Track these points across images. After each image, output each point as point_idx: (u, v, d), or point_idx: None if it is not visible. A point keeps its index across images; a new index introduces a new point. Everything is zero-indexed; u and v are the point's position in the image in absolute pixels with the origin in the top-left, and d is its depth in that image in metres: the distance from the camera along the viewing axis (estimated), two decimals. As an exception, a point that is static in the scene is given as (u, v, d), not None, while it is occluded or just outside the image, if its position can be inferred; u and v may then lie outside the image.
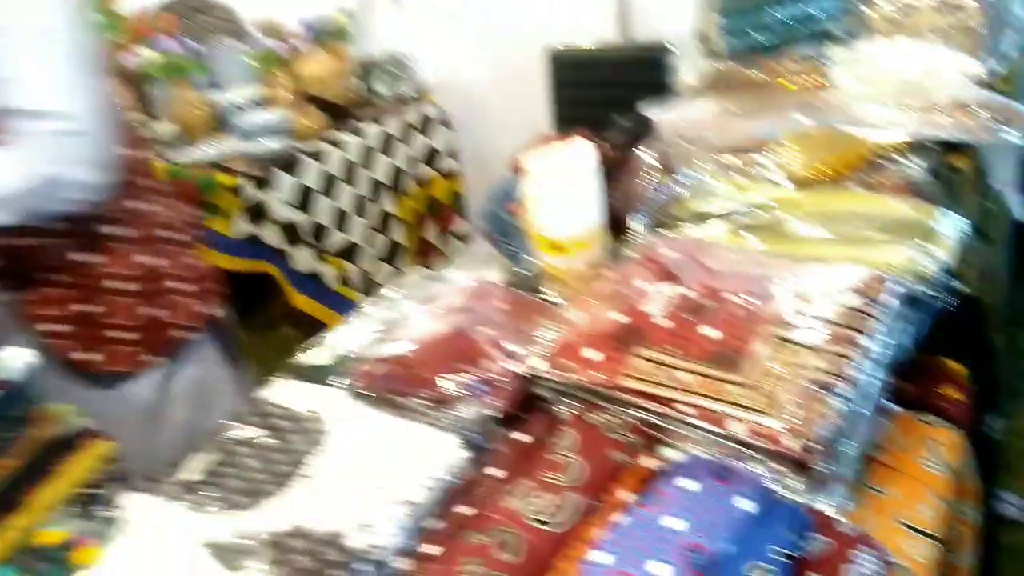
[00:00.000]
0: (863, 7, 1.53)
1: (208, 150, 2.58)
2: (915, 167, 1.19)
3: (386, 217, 2.78)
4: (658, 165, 1.23)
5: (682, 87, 1.73)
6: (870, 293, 0.88)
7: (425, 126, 2.92)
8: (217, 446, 0.92)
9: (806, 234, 1.10)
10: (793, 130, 1.32)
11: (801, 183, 1.23)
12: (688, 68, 1.72)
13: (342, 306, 2.53)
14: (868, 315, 0.85)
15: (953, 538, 0.89)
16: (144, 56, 2.65)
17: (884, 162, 1.20)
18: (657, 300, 0.94)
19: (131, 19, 2.80)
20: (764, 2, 1.58)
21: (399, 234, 2.83)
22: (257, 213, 2.38)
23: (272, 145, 2.50)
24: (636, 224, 1.19)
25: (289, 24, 2.93)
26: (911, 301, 0.92)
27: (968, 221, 1.11)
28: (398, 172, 2.82)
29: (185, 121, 2.72)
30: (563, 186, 1.08)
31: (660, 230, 1.17)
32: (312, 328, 1.28)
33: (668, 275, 0.98)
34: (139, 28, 2.74)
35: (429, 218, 2.97)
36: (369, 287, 2.63)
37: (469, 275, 1.13)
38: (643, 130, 1.30)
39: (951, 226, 1.04)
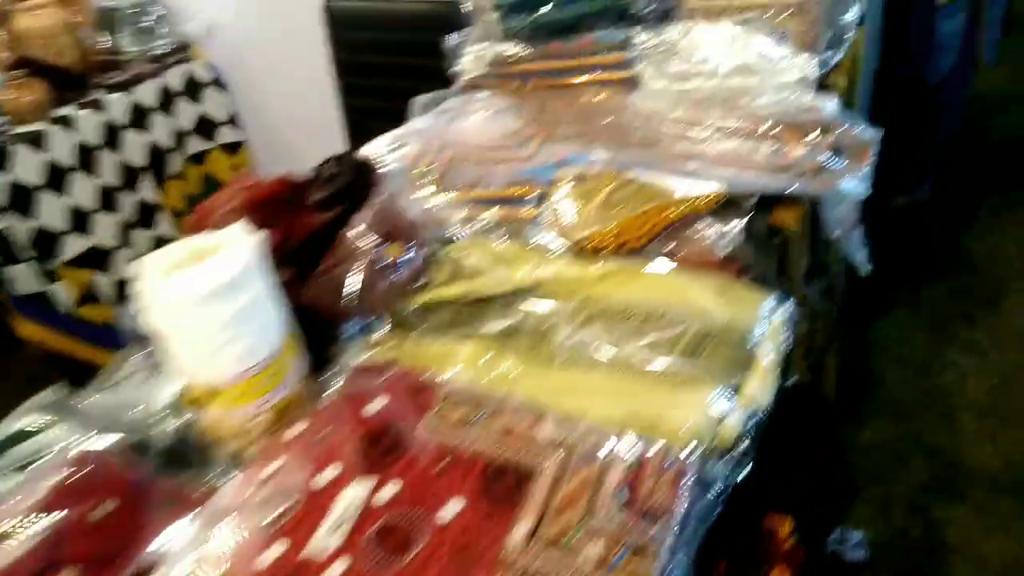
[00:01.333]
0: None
1: None
2: (730, 230, 0.87)
3: (146, 208, 2.27)
4: (380, 231, 0.85)
5: (457, 77, 1.34)
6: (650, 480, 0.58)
7: (192, 89, 2.39)
8: None
9: (578, 353, 0.77)
10: (578, 166, 0.97)
11: (580, 250, 0.90)
12: (470, 48, 1.33)
13: (84, 331, 2.05)
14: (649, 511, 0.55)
15: None
16: None
17: (691, 225, 0.87)
18: (339, 511, 0.59)
19: None
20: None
21: (168, 226, 2.33)
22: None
23: (-29, 129, 1.93)
24: (349, 335, 0.83)
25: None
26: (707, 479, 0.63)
27: (795, 299, 0.82)
28: (159, 151, 2.30)
29: None
30: (203, 313, 0.69)
31: (380, 346, 0.81)
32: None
33: (369, 454, 0.63)
34: None
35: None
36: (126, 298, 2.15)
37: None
38: (364, 177, 0.91)
39: (776, 316, 0.75)
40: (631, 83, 1.17)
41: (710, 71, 1.11)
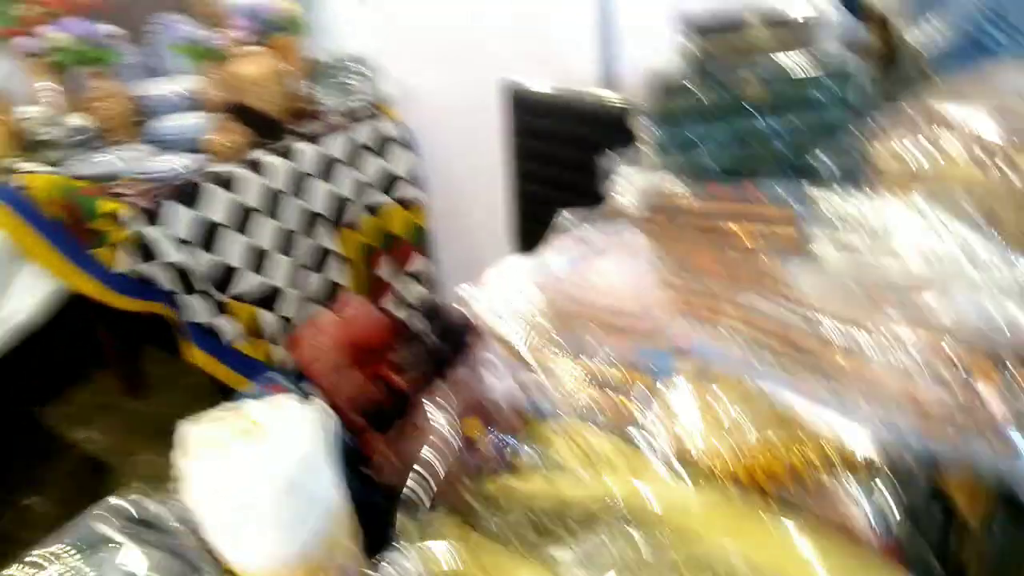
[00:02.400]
0: (870, 139, 1.02)
1: (117, 161, 2.19)
2: (882, 499, 0.71)
3: (323, 253, 2.37)
4: (461, 403, 0.77)
5: (607, 198, 1.25)
6: None
7: (382, 146, 2.47)
8: None
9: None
10: (703, 359, 0.84)
11: (688, 467, 0.77)
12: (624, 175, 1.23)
13: (241, 364, 2.15)
14: None
15: None
16: (50, 38, 2.25)
17: (833, 475, 0.72)
18: None
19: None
20: (723, 109, 1.08)
21: (338, 273, 2.42)
22: (145, 250, 1.99)
23: (176, 165, 2.10)
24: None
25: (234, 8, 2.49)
26: None
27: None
28: (339, 200, 2.39)
29: (99, 117, 2.33)
30: (251, 494, 0.64)
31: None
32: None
33: None
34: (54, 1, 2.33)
35: (382, 254, 2.54)
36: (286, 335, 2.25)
37: None
38: (454, 337, 0.84)
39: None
40: (794, 244, 1.02)
41: (892, 251, 0.94)
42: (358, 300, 0.95)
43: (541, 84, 1.92)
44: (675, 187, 1.14)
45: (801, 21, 1.10)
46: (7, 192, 1.91)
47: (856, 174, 1.02)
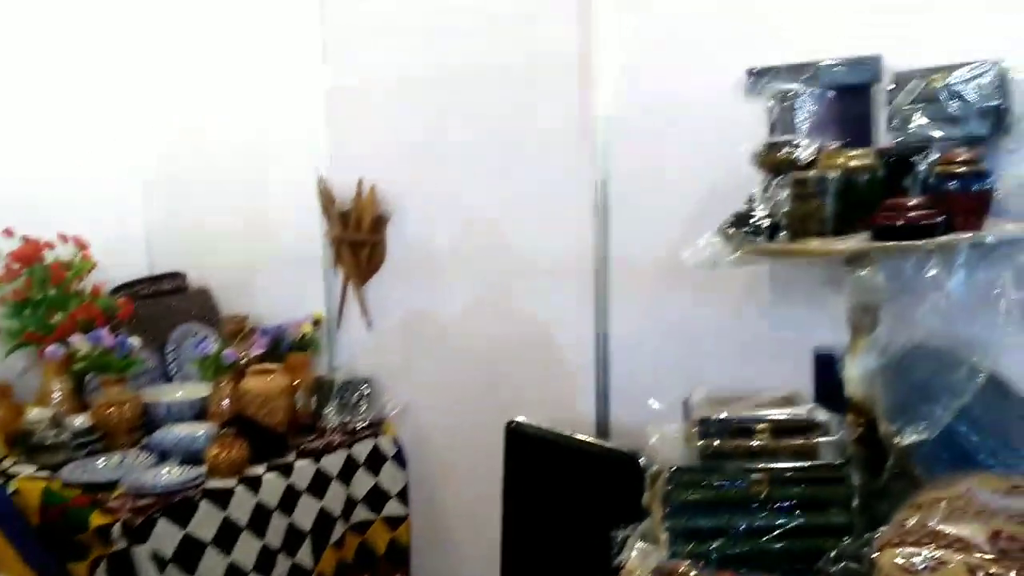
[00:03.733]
0: (874, 547, 1.09)
1: (117, 469, 2.19)
2: None
3: (297, 572, 2.29)
4: None
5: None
6: None
7: (374, 462, 2.52)
8: None
9: None
10: None
11: None
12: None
13: None
14: None
15: None
16: (75, 345, 2.37)
17: None
18: None
19: (83, 298, 2.56)
20: (732, 503, 1.16)
21: (313, 595, 2.32)
22: (126, 570, 1.93)
23: (176, 478, 2.11)
24: None
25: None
26: None
27: None
28: (327, 517, 2.37)
29: (105, 422, 2.38)
30: None
31: None
32: None
33: None
34: (86, 309, 2.49)
35: (356, 573, 2.47)
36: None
37: None
38: None
39: None
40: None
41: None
42: None
43: (540, 423, 2.03)
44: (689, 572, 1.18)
45: (804, 424, 1.22)
46: (-3, 498, 1.89)
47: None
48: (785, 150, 1.49)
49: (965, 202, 1.36)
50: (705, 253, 1.51)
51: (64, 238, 2.55)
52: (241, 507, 2.14)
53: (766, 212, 1.49)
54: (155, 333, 2.76)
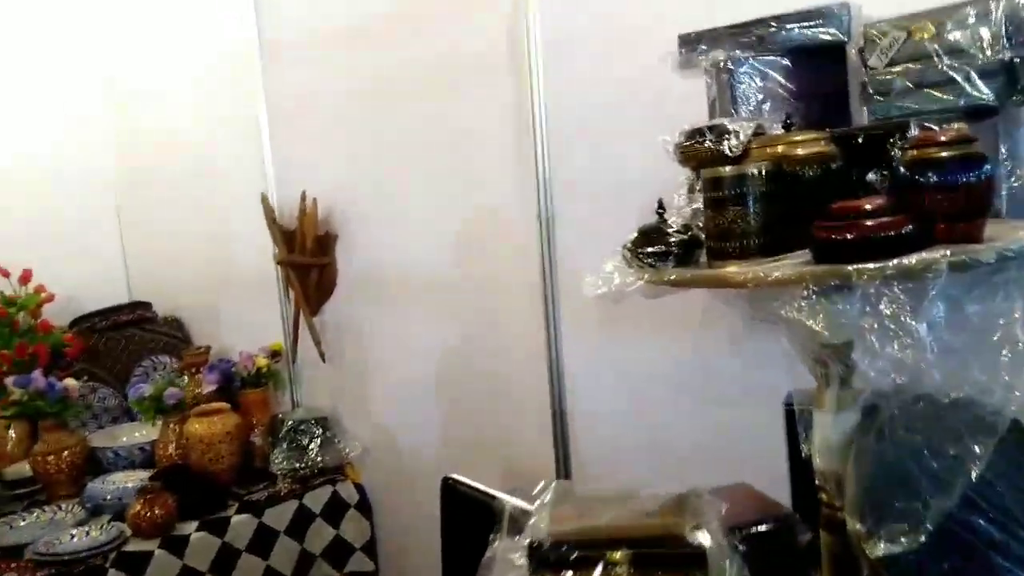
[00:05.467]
0: None
1: (35, 530, 2.01)
2: None
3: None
4: None
5: None
6: None
7: (333, 511, 2.24)
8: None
9: None
10: None
11: None
12: None
13: None
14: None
15: None
16: (10, 387, 2.20)
17: None
18: None
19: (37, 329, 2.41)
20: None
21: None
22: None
23: (93, 540, 1.90)
24: None
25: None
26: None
27: None
28: (275, 577, 2.11)
29: (43, 471, 2.21)
30: None
31: None
32: None
33: None
34: (21, 349, 2.32)
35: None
36: None
37: None
38: None
39: None
40: None
41: None
42: None
43: (477, 481, 1.70)
44: None
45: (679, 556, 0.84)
46: None
47: None
48: (709, 139, 1.10)
49: (948, 201, 0.94)
50: (613, 281, 1.14)
51: (5, 272, 2.39)
52: (161, 574, 1.91)
53: (680, 225, 1.10)
54: (116, 368, 2.59)
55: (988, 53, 1.04)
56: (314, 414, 2.29)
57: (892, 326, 0.97)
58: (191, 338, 2.75)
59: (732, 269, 1.00)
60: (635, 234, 1.13)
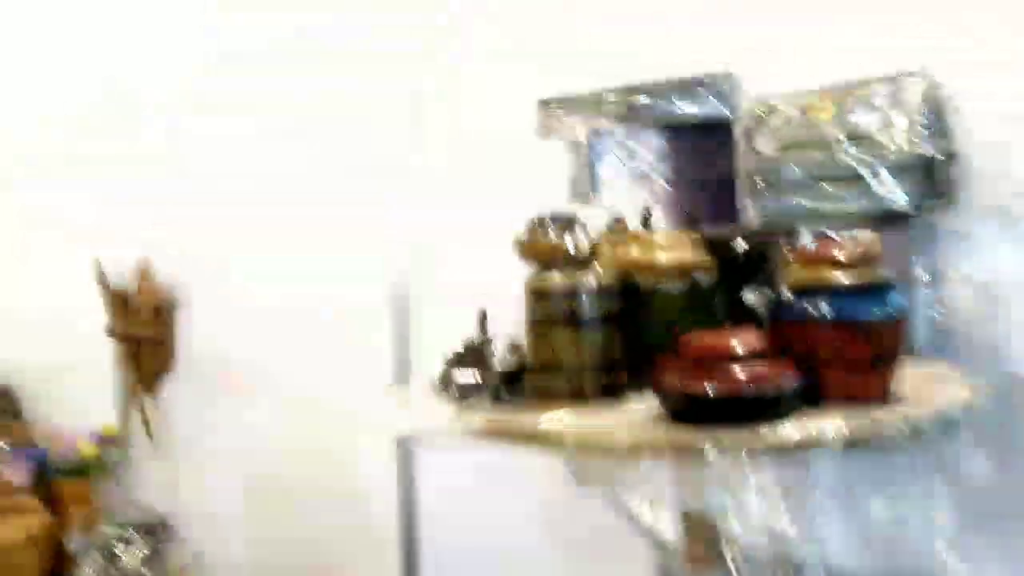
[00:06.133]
0: None
1: None
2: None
3: None
4: None
5: None
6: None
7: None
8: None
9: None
10: None
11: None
12: None
13: None
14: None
15: None
16: None
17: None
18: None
19: None
20: None
21: None
22: None
23: None
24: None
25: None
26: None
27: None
28: None
29: None
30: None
31: None
32: None
33: None
34: None
35: None
36: None
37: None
38: None
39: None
40: None
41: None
42: None
43: None
44: None
45: None
46: None
47: None
48: (553, 233, 0.83)
49: (845, 344, 0.69)
50: (416, 422, 0.85)
51: None
52: None
53: (512, 343, 0.83)
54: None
55: (903, 145, 0.81)
56: (138, 518, 1.93)
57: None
58: (21, 413, 2.36)
59: (550, 419, 0.72)
60: (452, 354, 0.85)
